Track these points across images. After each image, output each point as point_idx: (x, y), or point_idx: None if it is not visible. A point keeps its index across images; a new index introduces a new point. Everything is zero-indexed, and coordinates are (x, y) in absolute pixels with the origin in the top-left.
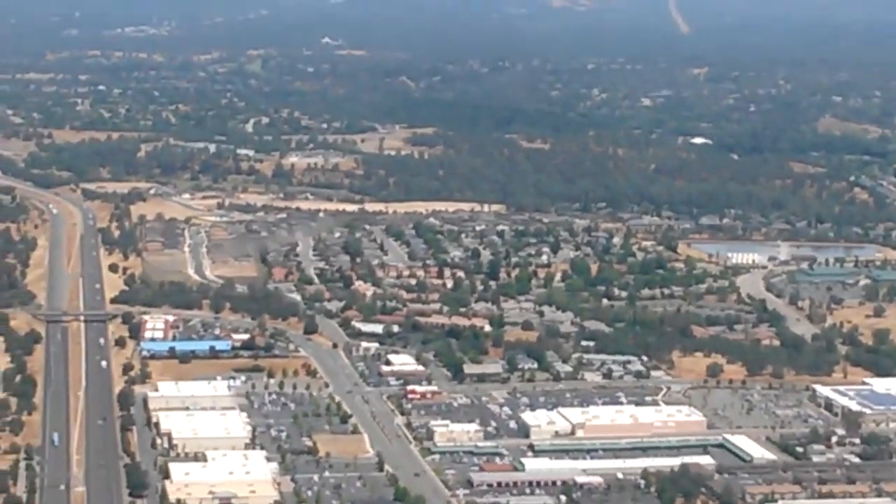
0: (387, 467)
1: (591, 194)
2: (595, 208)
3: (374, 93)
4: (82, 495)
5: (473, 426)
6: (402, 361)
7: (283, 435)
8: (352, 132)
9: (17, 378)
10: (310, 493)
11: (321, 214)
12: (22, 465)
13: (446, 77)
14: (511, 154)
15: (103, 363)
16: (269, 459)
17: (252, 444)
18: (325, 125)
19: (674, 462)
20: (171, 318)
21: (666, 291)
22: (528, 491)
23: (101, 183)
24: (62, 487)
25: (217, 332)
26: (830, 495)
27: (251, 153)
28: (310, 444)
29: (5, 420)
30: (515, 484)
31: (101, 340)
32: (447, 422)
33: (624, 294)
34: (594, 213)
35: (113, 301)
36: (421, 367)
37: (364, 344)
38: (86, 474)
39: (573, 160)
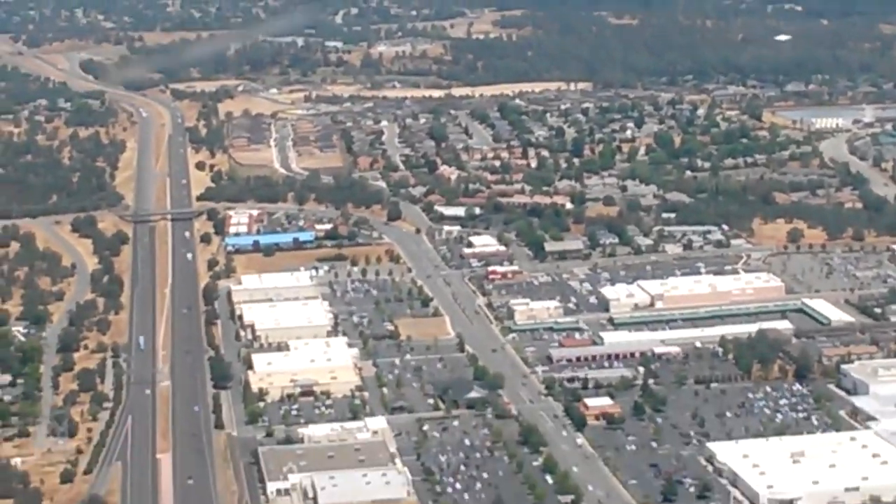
0: (467, 347)
1: (678, 67)
2: (682, 81)
3: None
4: (167, 390)
5: (553, 303)
6: (484, 243)
7: (365, 321)
8: (441, 18)
9: (105, 279)
10: (391, 376)
11: (407, 102)
12: (109, 362)
13: None
14: (599, 31)
15: (189, 258)
16: (350, 345)
17: (334, 332)
18: (413, 13)
19: (751, 328)
20: (255, 213)
21: (749, 160)
22: (606, 364)
23: (191, 83)
24: (147, 392)
25: (301, 223)
26: None
27: (340, 45)
28: (391, 328)
29: (92, 320)
30: (594, 358)
31: (187, 237)
32: (527, 300)
33: (707, 165)
34: (680, 86)
35: (199, 198)
36: (502, 248)
37: (446, 227)
38: (171, 369)
39: (661, 34)
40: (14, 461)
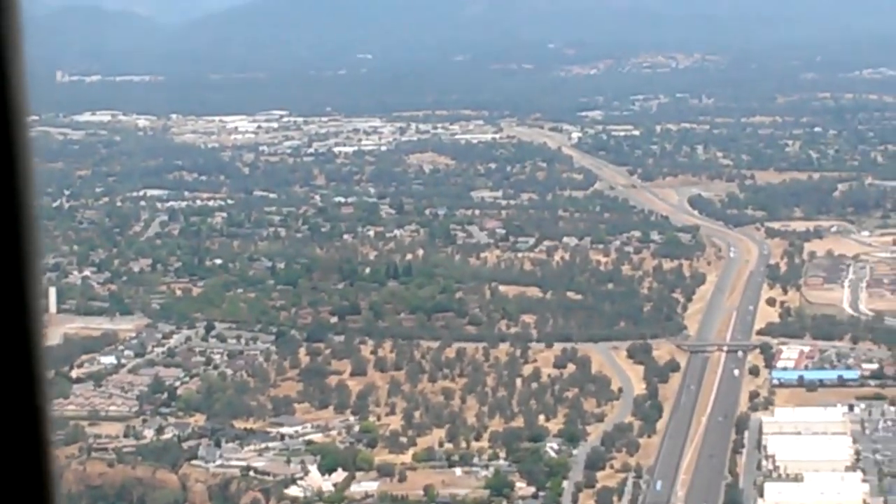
0: None
1: None
2: None
3: None
4: None
5: None
6: None
7: (887, 459)
8: None
9: (647, 403)
10: None
11: None
12: (630, 483)
13: None
14: None
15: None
16: (864, 482)
17: (853, 468)
18: None
19: None
20: (806, 349)
21: None
22: None
23: (789, 222)
24: None
25: (849, 361)
26: None
27: None
28: None
29: (623, 441)
30: None
31: (735, 370)
32: None
33: None
34: None
35: (759, 333)
36: None
37: None
38: (687, 492)
39: None
40: None
